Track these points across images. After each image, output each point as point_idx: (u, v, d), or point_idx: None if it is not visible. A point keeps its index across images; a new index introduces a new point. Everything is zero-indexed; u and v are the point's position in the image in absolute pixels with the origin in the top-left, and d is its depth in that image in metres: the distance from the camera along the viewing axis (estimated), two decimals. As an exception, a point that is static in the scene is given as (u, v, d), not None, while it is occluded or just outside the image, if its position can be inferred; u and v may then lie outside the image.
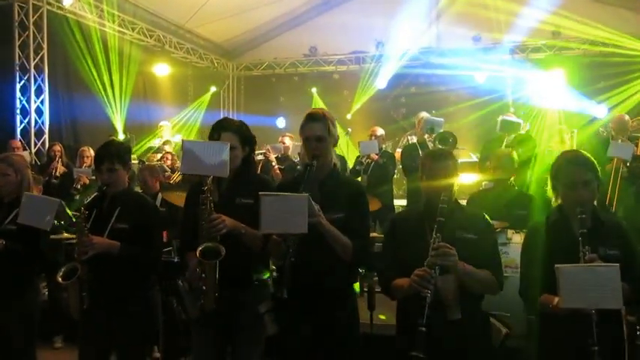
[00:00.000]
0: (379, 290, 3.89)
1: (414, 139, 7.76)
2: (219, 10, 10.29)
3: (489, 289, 2.58)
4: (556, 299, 2.23)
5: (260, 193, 2.48)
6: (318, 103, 11.95)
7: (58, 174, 7.18)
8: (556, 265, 2.19)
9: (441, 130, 6.35)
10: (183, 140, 2.92)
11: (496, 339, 2.72)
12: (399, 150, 8.17)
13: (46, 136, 8.67)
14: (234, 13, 10.54)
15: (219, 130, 2.89)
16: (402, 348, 2.42)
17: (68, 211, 3.12)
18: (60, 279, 2.97)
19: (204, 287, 2.71)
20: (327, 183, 2.72)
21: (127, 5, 9.90)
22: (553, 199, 2.62)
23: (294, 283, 2.50)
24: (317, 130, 2.70)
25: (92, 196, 3.19)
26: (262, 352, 2.92)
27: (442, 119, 6.81)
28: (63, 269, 2.99)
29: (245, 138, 2.93)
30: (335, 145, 2.80)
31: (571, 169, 2.49)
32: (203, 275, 2.69)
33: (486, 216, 2.73)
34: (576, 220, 2.43)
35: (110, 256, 3.00)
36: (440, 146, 6.06)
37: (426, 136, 6.37)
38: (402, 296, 2.56)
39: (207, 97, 12.15)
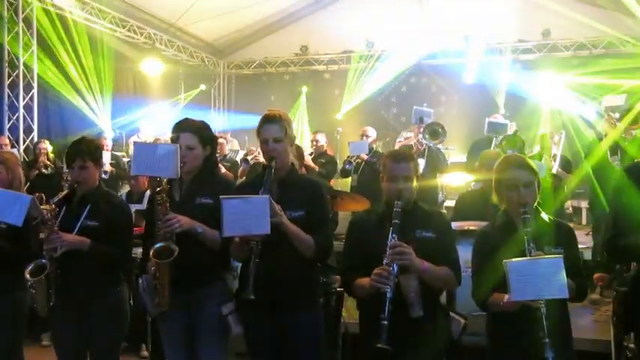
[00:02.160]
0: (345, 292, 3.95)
1: (409, 136, 7.79)
2: (210, 8, 10.26)
3: (449, 285, 2.70)
4: (506, 296, 2.32)
5: (220, 196, 2.52)
6: (305, 104, 11.97)
7: (44, 171, 7.16)
8: (503, 261, 2.29)
9: (430, 121, 6.40)
10: (134, 142, 2.96)
11: (455, 331, 2.80)
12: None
13: (35, 133, 8.62)
14: (225, 11, 10.52)
15: (178, 130, 2.93)
16: (367, 345, 2.48)
17: (44, 207, 3.11)
18: (28, 276, 2.98)
19: (158, 286, 2.75)
20: (287, 182, 2.78)
21: (117, 3, 9.85)
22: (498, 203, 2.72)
23: (258, 283, 2.53)
24: (274, 132, 2.75)
25: (63, 193, 3.19)
26: (226, 349, 2.96)
27: (431, 110, 6.86)
28: (31, 266, 3.00)
29: (205, 138, 2.96)
30: (292, 145, 2.86)
31: (513, 171, 2.59)
32: (157, 274, 2.74)
33: (444, 214, 2.85)
34: (520, 220, 2.53)
35: (78, 253, 3.01)
36: (429, 138, 6.11)
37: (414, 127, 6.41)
38: (363, 294, 2.62)
39: (193, 94, 12.11)
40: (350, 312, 3.91)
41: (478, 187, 4.69)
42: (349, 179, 7.21)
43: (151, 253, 2.71)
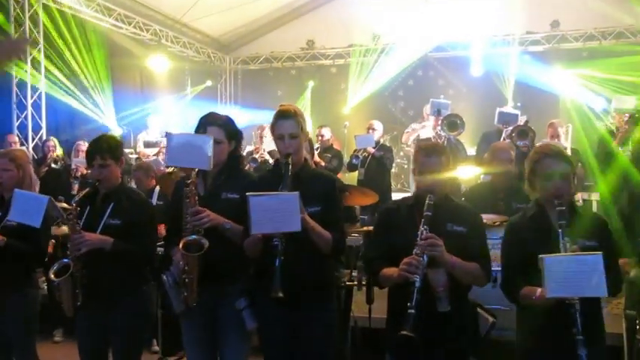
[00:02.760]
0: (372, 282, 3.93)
1: (422, 132, 7.76)
2: (216, 3, 10.25)
3: (478, 281, 2.63)
4: (539, 290, 2.26)
5: (247, 193, 2.49)
6: (310, 98, 11.93)
7: (54, 165, 7.20)
8: (540, 255, 2.22)
9: (448, 112, 6.37)
10: (167, 133, 2.93)
11: (483, 329, 2.77)
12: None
13: (44, 130, 8.65)
14: (230, 6, 10.50)
15: (205, 124, 2.90)
16: (391, 335, 2.46)
17: (65, 205, 3.10)
18: (53, 276, 2.96)
19: (186, 280, 2.72)
20: (301, 178, 2.75)
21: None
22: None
23: (290, 280, 2.52)
24: (289, 128, 2.73)
25: (84, 192, 3.15)
26: (249, 345, 2.94)
27: (449, 102, 6.82)
28: (55, 266, 2.99)
29: (231, 133, 2.94)
30: (306, 140, 2.85)
31: (548, 161, 2.52)
32: (186, 268, 2.71)
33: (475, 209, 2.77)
34: (554, 212, 2.46)
35: (103, 252, 2.99)
36: (447, 130, 6.07)
37: (432, 119, 6.37)
38: (390, 284, 2.61)
39: (199, 89, 12.09)
40: (359, 306, 3.91)
41: (487, 179, 4.65)
42: (356, 173, 7.20)
43: (180, 246, 2.68)
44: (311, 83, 12.18)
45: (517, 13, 10.15)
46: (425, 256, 2.41)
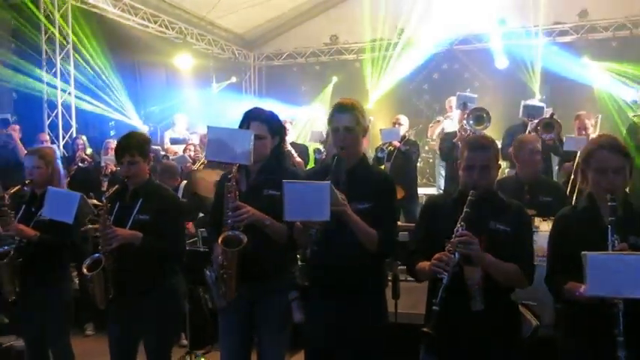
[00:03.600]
0: (403, 279, 3.91)
1: (446, 123, 7.73)
2: (240, 0, 10.31)
3: (516, 283, 2.53)
4: (582, 287, 2.18)
5: (283, 180, 2.48)
6: (331, 93, 11.91)
7: (81, 164, 7.36)
8: (583, 252, 2.14)
9: (474, 106, 6.30)
10: (208, 126, 2.93)
11: (526, 331, 2.69)
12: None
13: (74, 129, 8.85)
14: (254, 3, 10.54)
15: (248, 119, 2.88)
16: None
17: (95, 201, 3.19)
18: (85, 270, 3.04)
19: (225, 276, 2.72)
20: (355, 173, 2.70)
21: (149, -2, 10.00)
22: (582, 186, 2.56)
23: (319, 271, 2.52)
24: (345, 121, 2.68)
25: (114, 189, 3.22)
26: (288, 341, 2.94)
27: (475, 95, 6.73)
28: (88, 261, 3.06)
29: (274, 128, 2.92)
30: (364, 135, 2.78)
31: (603, 154, 2.40)
32: (225, 264, 2.71)
33: (525, 208, 2.67)
34: (606, 207, 2.35)
35: (133, 247, 3.06)
36: (474, 124, 5.99)
37: (457, 112, 6.29)
38: (425, 278, 2.57)
39: (224, 85, 12.20)
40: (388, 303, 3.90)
41: (512, 172, 4.59)
42: (382, 167, 7.17)
43: (219, 241, 2.69)
44: (334, 79, 12.17)
45: (544, 3, 9.96)
46: (456, 254, 2.35)
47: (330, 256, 2.56)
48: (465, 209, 2.41)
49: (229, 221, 2.69)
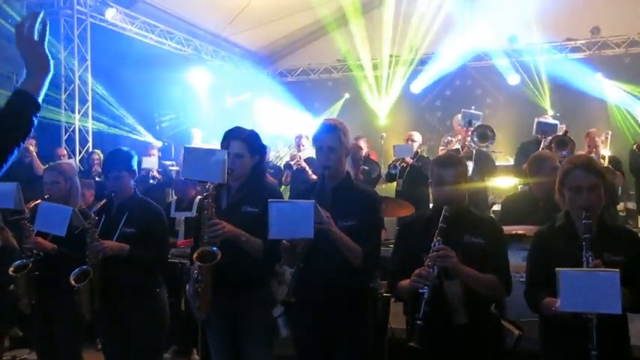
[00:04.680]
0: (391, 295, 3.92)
1: (450, 140, 7.72)
2: (254, 18, 10.47)
3: (496, 293, 2.62)
4: (558, 302, 2.24)
5: (269, 200, 2.56)
6: (342, 109, 11.98)
7: (98, 179, 7.47)
8: (557, 269, 2.21)
9: (479, 123, 6.32)
10: (185, 147, 3.05)
11: (509, 342, 2.73)
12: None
13: (90, 143, 8.99)
14: (269, 20, 10.70)
15: (228, 138, 2.98)
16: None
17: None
18: (72, 282, 3.14)
19: (199, 290, 2.80)
20: (340, 191, 2.79)
21: (164, 15, 10.18)
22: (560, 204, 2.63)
23: (306, 288, 2.58)
24: (329, 141, 2.77)
25: (101, 203, 3.37)
26: (272, 355, 2.99)
27: (480, 112, 6.76)
28: (75, 272, 3.17)
29: (254, 147, 3.00)
30: (347, 154, 2.88)
31: (578, 173, 2.49)
32: (199, 278, 2.79)
33: (496, 221, 2.82)
34: (581, 224, 2.43)
35: (119, 258, 3.16)
36: (478, 141, 6.02)
37: (462, 129, 6.32)
38: (405, 296, 2.63)
39: (237, 99, 12.33)
40: (396, 318, 3.90)
41: (526, 188, 4.59)
42: (394, 184, 7.19)
43: (194, 256, 2.79)
44: (347, 95, 12.24)
45: (556, 20, 9.98)
46: (435, 268, 2.40)
47: (318, 274, 2.63)
48: (439, 224, 2.49)
49: (206, 237, 2.77)
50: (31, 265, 3.42)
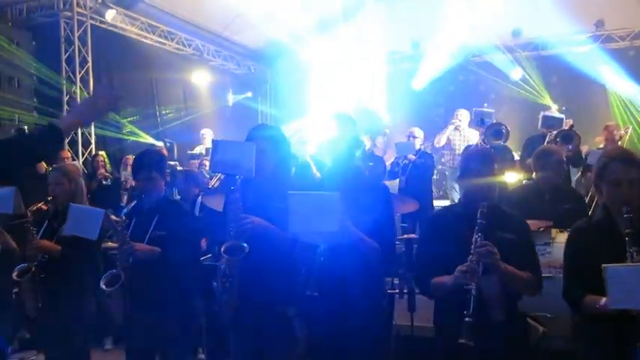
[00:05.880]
0: (419, 292, 3.88)
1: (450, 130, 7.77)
2: (255, 17, 10.43)
3: (529, 290, 2.58)
4: (602, 300, 2.18)
5: (289, 192, 2.50)
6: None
7: (105, 182, 7.45)
8: (603, 265, 2.13)
9: (492, 122, 6.29)
10: (213, 140, 2.99)
11: (533, 338, 2.70)
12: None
13: (93, 145, 8.97)
14: (270, 19, 10.66)
15: (253, 135, 2.95)
16: (444, 343, 2.43)
17: (113, 217, 3.23)
18: (104, 286, 3.09)
19: (227, 285, 2.76)
20: (353, 187, 2.74)
21: (165, 17, 10.16)
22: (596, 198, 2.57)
23: (326, 283, 2.54)
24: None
25: (131, 205, 3.29)
26: (299, 353, 2.94)
27: (492, 110, 6.73)
28: (106, 276, 3.11)
29: (278, 143, 2.96)
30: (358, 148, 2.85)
31: (616, 166, 2.41)
32: (227, 272, 2.75)
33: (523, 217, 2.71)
34: (622, 219, 2.35)
35: (151, 262, 3.10)
36: (492, 139, 5.99)
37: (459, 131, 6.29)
38: (442, 293, 2.56)
39: (239, 98, 12.29)
40: (401, 314, 3.88)
41: (532, 181, 4.54)
42: (397, 181, 7.16)
43: (221, 250, 2.73)
44: (350, 91, 12.18)
45: (560, 13, 9.90)
46: (480, 264, 2.37)
47: (336, 269, 2.58)
48: (478, 220, 2.44)
49: (233, 231, 2.73)
50: (34, 268, 3.39)
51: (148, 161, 3.27)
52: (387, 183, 7.84)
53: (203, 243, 5.38)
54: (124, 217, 3.16)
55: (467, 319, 2.29)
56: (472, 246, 2.39)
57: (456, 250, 2.44)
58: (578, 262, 2.46)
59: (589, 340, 2.50)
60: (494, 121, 6.35)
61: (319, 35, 12.47)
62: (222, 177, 6.33)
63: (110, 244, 5.04)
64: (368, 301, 2.73)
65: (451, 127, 8.06)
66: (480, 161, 2.60)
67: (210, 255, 4.76)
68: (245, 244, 2.69)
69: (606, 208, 2.48)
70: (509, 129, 6.16)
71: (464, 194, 2.68)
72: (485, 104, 7.64)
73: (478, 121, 6.40)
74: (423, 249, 2.77)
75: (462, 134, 7.93)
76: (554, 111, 8.07)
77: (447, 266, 2.43)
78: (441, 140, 8.14)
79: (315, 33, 12.41)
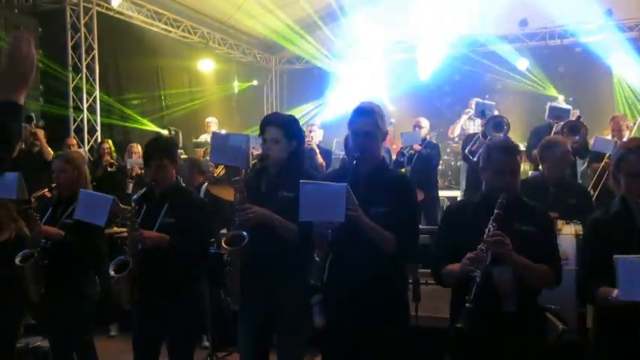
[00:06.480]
0: (424, 282, 3.89)
1: (463, 119, 7.72)
2: (261, 4, 10.38)
3: (546, 283, 2.54)
4: (615, 292, 2.16)
5: (300, 181, 2.51)
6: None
7: (110, 169, 7.47)
8: (614, 256, 2.12)
9: (494, 114, 6.25)
10: (212, 132, 3.06)
11: (552, 335, 2.67)
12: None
13: (98, 133, 8.99)
14: (275, 7, 10.61)
15: (265, 124, 2.94)
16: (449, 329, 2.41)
17: (122, 206, 3.24)
18: (113, 272, 3.09)
19: (229, 274, 2.80)
20: (374, 177, 2.70)
21: (171, 4, 10.13)
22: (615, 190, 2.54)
23: (341, 272, 2.54)
24: (365, 126, 2.69)
25: (141, 192, 3.28)
26: (305, 342, 2.95)
27: (493, 103, 6.69)
28: (115, 263, 3.11)
29: (291, 132, 2.93)
30: (384, 139, 2.80)
31: (633, 158, 2.38)
32: (229, 261, 2.79)
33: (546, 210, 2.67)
34: (639, 211, 2.34)
35: (160, 249, 3.10)
36: (493, 131, 5.95)
37: (473, 120, 6.26)
38: (453, 281, 2.54)
39: (244, 86, 12.27)
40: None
41: (537, 173, 4.52)
42: (402, 171, 7.14)
43: (222, 241, 2.76)
44: (354, 81, 12.13)
45: (567, 3, 9.81)
46: (489, 253, 2.35)
47: (348, 261, 2.57)
48: (495, 210, 2.42)
49: (237, 221, 2.75)
50: (37, 254, 3.41)
51: (159, 148, 3.26)
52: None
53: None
54: (133, 204, 3.16)
55: (467, 304, 2.29)
56: (485, 235, 2.38)
57: (472, 240, 2.40)
58: (593, 254, 2.44)
59: (601, 333, 2.50)
60: (496, 113, 6.31)
61: (324, 26, 12.44)
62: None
63: (116, 229, 5.07)
64: (386, 293, 2.68)
65: (465, 117, 8.06)
66: (505, 153, 2.55)
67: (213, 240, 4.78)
68: (245, 233, 2.71)
69: (624, 199, 2.46)
70: (509, 122, 6.12)
71: (485, 185, 2.63)
72: (487, 96, 7.58)
73: (479, 114, 6.35)
74: (440, 239, 2.74)
75: (476, 124, 7.89)
76: (562, 102, 8.02)
77: (461, 256, 2.41)
78: (455, 130, 8.13)
79: (320, 24, 12.37)
